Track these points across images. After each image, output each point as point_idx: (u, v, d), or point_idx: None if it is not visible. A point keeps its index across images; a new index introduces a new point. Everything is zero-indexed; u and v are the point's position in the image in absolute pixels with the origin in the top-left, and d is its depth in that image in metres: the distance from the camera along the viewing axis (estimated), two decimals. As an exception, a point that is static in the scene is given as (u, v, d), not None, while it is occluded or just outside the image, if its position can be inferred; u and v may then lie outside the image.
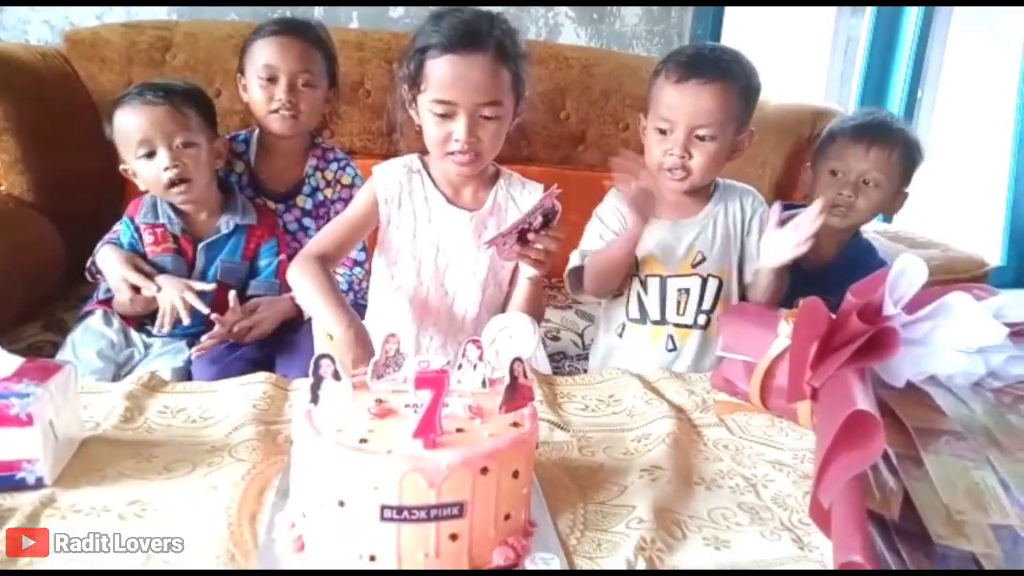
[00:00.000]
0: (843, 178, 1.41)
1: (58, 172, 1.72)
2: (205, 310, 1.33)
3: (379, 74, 1.98)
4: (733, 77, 1.25)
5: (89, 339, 1.37)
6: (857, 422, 0.68)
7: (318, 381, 0.70)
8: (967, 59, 2.85)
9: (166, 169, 1.32)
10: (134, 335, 1.42)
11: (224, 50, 1.88)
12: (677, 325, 1.35)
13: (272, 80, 1.45)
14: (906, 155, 1.41)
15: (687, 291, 1.33)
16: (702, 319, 1.35)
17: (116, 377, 1.33)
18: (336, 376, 0.70)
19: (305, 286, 1.15)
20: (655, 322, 1.35)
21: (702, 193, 1.36)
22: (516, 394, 0.73)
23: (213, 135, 1.41)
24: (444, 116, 1.16)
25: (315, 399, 0.70)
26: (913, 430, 0.76)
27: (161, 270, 1.39)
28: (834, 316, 0.90)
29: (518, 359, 0.73)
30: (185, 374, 1.34)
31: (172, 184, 1.33)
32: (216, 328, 1.33)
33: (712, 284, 1.34)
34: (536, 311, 1.26)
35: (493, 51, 1.14)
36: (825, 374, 0.82)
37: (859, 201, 1.41)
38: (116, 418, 0.93)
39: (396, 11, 2.19)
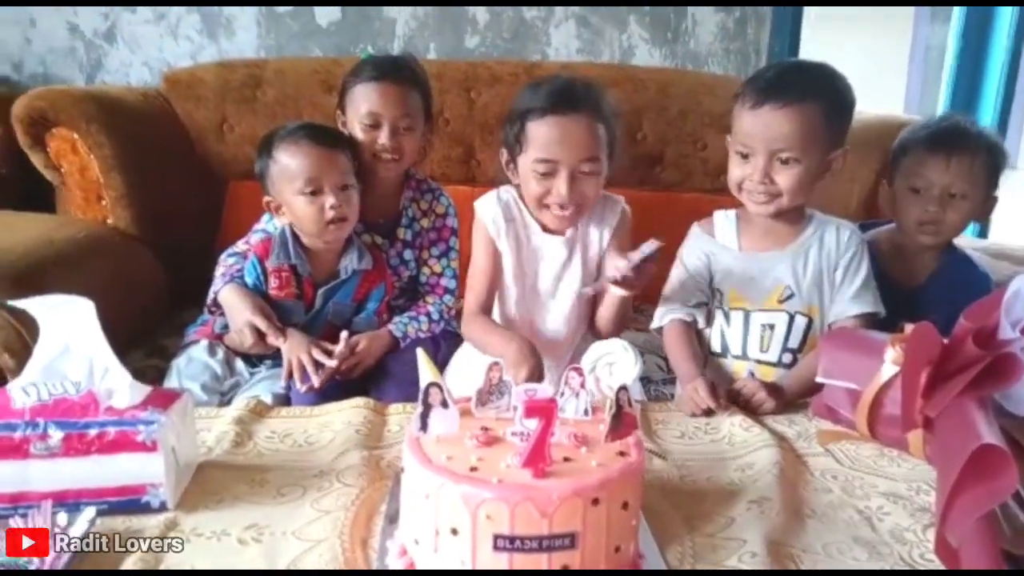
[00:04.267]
0: (926, 194, 1.33)
1: (159, 205, 1.81)
2: (332, 364, 1.35)
3: (458, 103, 2.02)
4: (814, 98, 1.17)
5: (194, 370, 1.41)
6: (984, 456, 0.65)
7: (427, 409, 0.71)
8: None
9: (332, 208, 1.37)
10: (239, 364, 1.47)
11: (312, 85, 1.96)
12: (759, 362, 1.26)
13: (375, 126, 1.49)
14: (990, 159, 1.32)
15: (771, 327, 1.25)
16: (787, 358, 1.25)
17: (220, 403, 1.38)
18: (444, 404, 0.72)
19: (479, 340, 1.33)
20: (736, 356, 1.28)
21: (793, 224, 1.28)
22: (622, 423, 0.73)
23: (357, 178, 1.46)
24: (546, 175, 1.25)
25: (424, 427, 0.72)
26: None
27: (282, 312, 1.42)
28: (945, 340, 0.86)
29: (623, 387, 0.73)
30: (284, 399, 1.37)
31: (331, 222, 1.38)
32: (326, 367, 1.36)
33: (800, 322, 1.25)
34: (624, 323, 1.38)
35: (590, 110, 1.24)
36: (941, 403, 0.79)
37: (948, 215, 1.32)
38: (228, 443, 0.97)
39: (472, 40, 2.23)
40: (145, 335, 1.71)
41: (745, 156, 1.22)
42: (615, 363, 0.79)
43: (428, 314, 1.54)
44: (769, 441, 1.00)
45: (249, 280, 1.44)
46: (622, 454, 0.72)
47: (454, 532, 0.67)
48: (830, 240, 1.27)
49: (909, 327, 0.95)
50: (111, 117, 1.74)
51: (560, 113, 1.22)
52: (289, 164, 1.38)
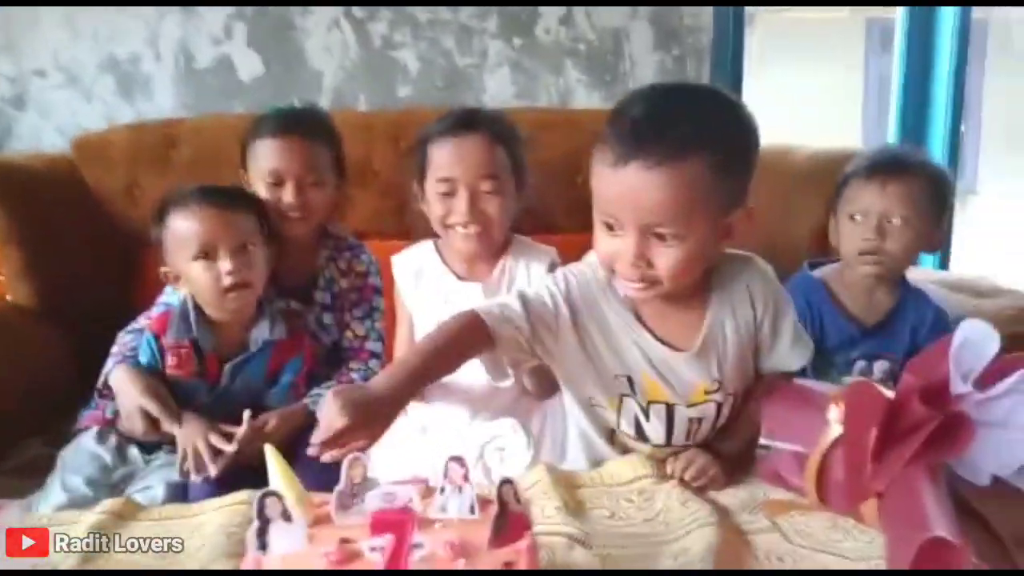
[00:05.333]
0: (864, 222, 1.27)
1: (64, 278, 1.68)
2: (230, 449, 1.21)
3: (387, 152, 1.92)
4: (698, 148, 0.86)
5: (79, 461, 1.27)
6: (935, 549, 0.53)
7: (264, 524, 0.58)
8: (1009, 89, 2.69)
9: (228, 273, 1.24)
10: (133, 452, 1.32)
11: (230, 143, 1.80)
12: (686, 446, 1.05)
13: (278, 184, 1.39)
14: (930, 187, 1.27)
15: (700, 420, 1.04)
16: (713, 435, 1.06)
17: (111, 491, 1.23)
18: (287, 517, 0.59)
19: None
20: (657, 446, 1.05)
21: (690, 304, 1.01)
22: (508, 524, 0.60)
23: (265, 238, 1.34)
24: (447, 194, 1.25)
25: (263, 546, 0.59)
26: (1010, 540, 0.60)
27: (182, 393, 1.29)
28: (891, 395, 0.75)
29: (507, 481, 0.60)
30: (181, 490, 1.23)
31: (230, 289, 1.26)
32: (225, 453, 1.22)
33: (729, 402, 1.04)
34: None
35: (487, 130, 1.26)
36: (888, 475, 0.68)
37: (887, 244, 1.26)
38: (75, 558, 0.82)
39: (403, 90, 2.16)
40: (48, 421, 1.56)
41: (611, 227, 0.92)
42: (505, 448, 0.67)
43: (352, 382, 1.41)
44: (707, 519, 0.87)
45: (144, 359, 1.30)
46: (508, 565, 0.59)
47: None
48: (742, 304, 1.02)
49: (849, 380, 0.84)
50: (6, 186, 1.62)
51: (457, 134, 1.25)
52: (180, 228, 1.26)
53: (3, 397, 1.48)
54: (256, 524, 0.58)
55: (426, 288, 1.30)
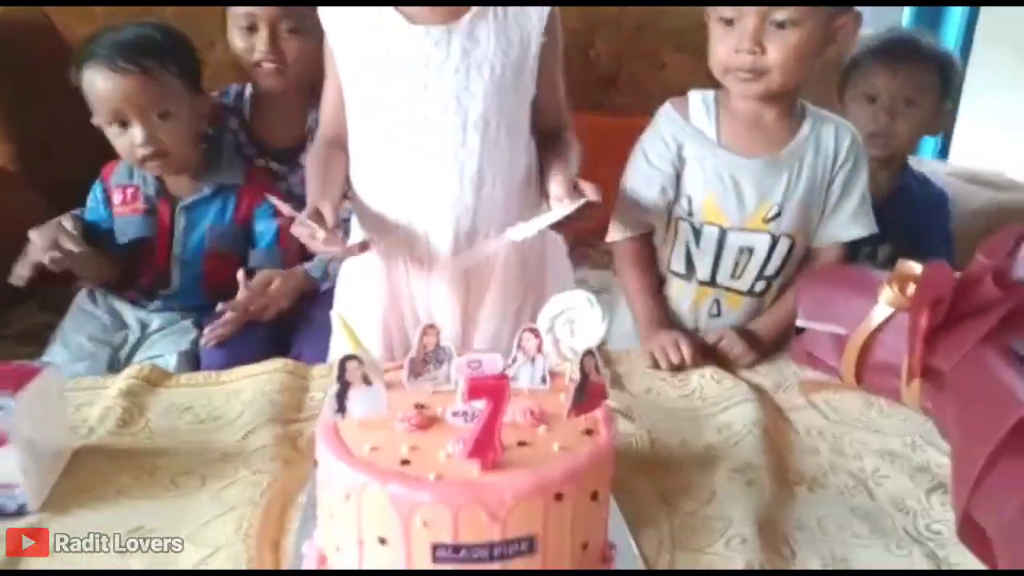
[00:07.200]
0: (876, 103, 1.29)
1: (43, 137, 1.57)
2: (77, 249, 1.16)
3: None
4: None
5: (78, 321, 1.25)
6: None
7: (344, 388, 0.56)
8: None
9: (140, 145, 1.17)
10: (128, 313, 1.28)
11: None
12: (728, 289, 1.08)
13: (252, 29, 1.29)
14: (941, 67, 1.31)
15: (750, 251, 1.05)
16: (760, 286, 1.07)
17: (114, 365, 1.21)
18: (367, 381, 0.57)
19: (308, 175, 1.00)
20: (702, 282, 1.08)
21: (785, 118, 1.04)
22: (587, 394, 0.59)
23: (195, 95, 1.24)
24: None
25: (342, 409, 0.57)
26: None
27: (131, 233, 1.26)
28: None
29: (590, 352, 0.59)
30: (193, 358, 1.21)
31: (145, 159, 1.19)
32: (228, 314, 1.19)
33: (783, 245, 1.05)
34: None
35: None
36: (955, 354, 0.68)
37: (898, 125, 1.29)
38: (112, 422, 0.81)
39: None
40: (37, 285, 1.50)
41: (730, 22, 0.97)
42: (577, 321, 0.65)
43: None
44: (746, 395, 0.88)
45: (91, 204, 1.28)
46: (589, 432, 0.59)
47: (382, 542, 0.53)
48: (828, 143, 1.04)
49: (909, 264, 0.83)
50: (-21, 38, 1.48)
51: None
52: (92, 89, 1.17)
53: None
54: (336, 387, 0.56)
55: (361, 31, 0.93)
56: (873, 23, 1.53)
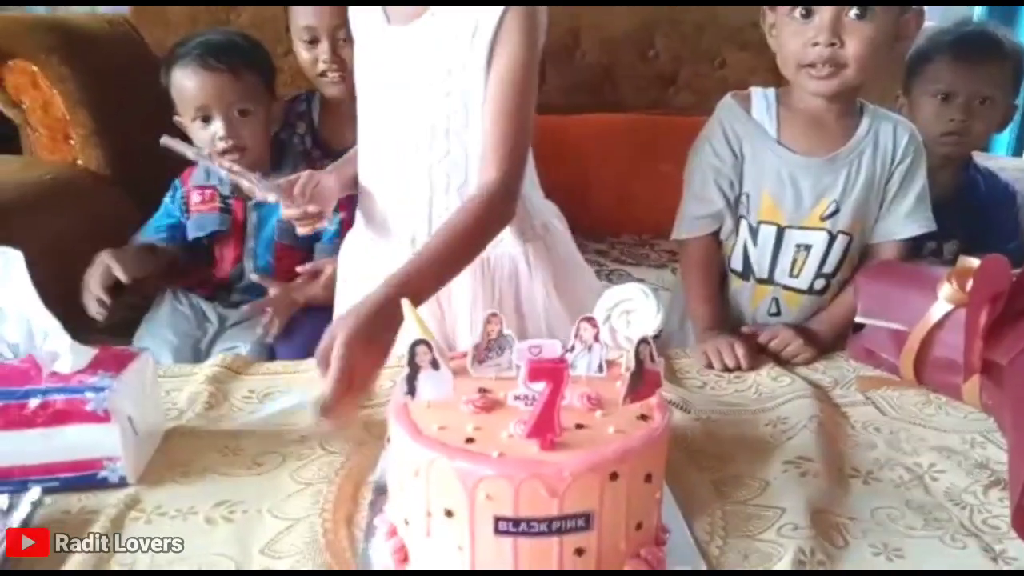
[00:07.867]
0: (952, 101, 1.25)
1: (132, 142, 1.67)
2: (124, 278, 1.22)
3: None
4: None
5: (164, 317, 1.35)
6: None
7: (414, 371, 0.61)
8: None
9: (221, 138, 1.28)
10: (208, 309, 1.38)
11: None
12: (787, 287, 1.09)
13: (314, 42, 1.37)
14: (1016, 65, 1.28)
15: (807, 248, 1.07)
16: (820, 283, 1.08)
17: (197, 355, 1.30)
18: (435, 365, 0.61)
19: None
20: (760, 280, 1.10)
21: (844, 116, 1.06)
22: (643, 381, 0.62)
23: (271, 99, 1.36)
24: None
25: (412, 391, 0.61)
26: None
27: (208, 227, 1.36)
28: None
29: (645, 340, 0.62)
30: (267, 348, 1.28)
31: (224, 152, 1.28)
32: (267, 312, 1.27)
33: (840, 242, 1.06)
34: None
35: None
36: (1014, 348, 0.68)
37: (975, 124, 1.25)
38: (200, 405, 0.87)
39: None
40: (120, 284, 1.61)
41: (807, 15, 0.98)
42: (633, 311, 0.68)
43: None
44: (803, 391, 0.89)
45: (169, 206, 1.39)
46: (643, 418, 0.62)
47: (449, 514, 0.57)
48: (886, 141, 1.06)
49: (969, 260, 0.83)
50: (73, 47, 1.59)
51: None
52: (180, 86, 1.28)
53: (80, 256, 1.52)
54: (407, 371, 0.61)
55: (359, 31, 0.99)
56: (940, 16, 1.51)
